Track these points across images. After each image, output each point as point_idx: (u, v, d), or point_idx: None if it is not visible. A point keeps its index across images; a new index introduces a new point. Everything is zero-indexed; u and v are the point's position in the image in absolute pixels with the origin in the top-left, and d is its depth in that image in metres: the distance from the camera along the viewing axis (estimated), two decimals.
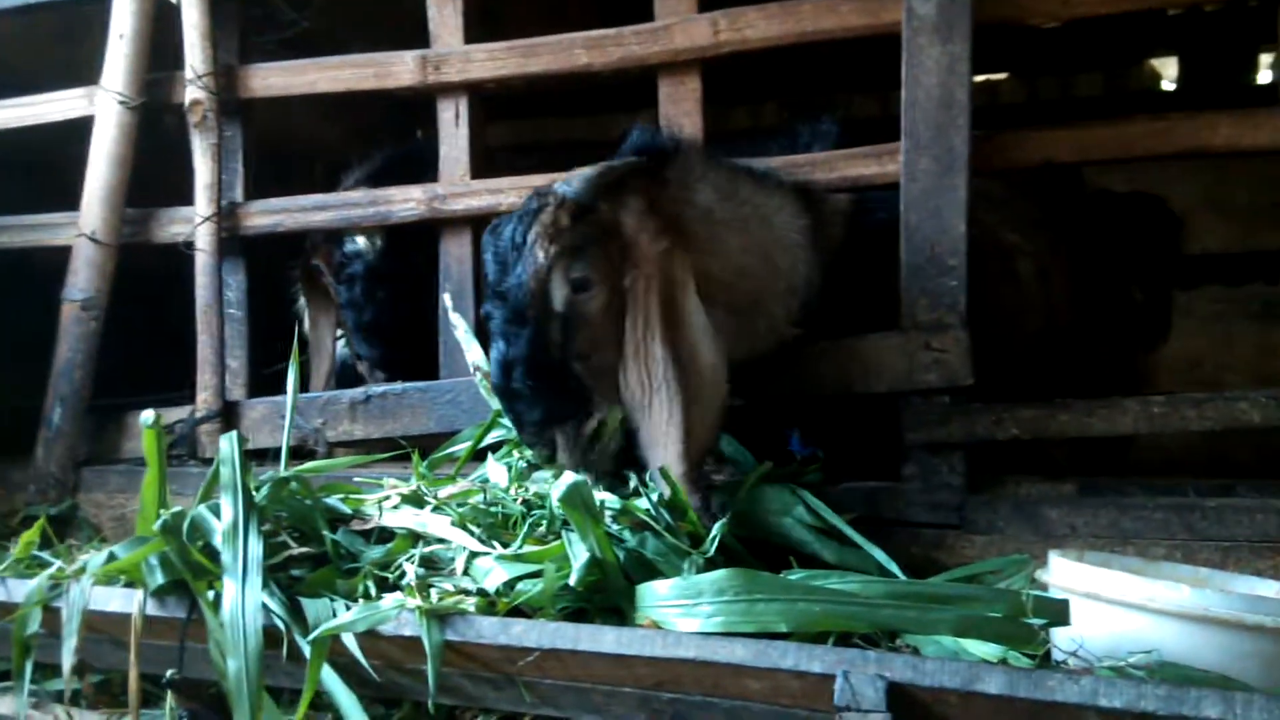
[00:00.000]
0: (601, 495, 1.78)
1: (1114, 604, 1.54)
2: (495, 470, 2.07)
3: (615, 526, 1.73)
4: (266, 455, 2.60)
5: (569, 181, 1.91)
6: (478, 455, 2.34)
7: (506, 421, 2.32)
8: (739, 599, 1.49)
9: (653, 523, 1.73)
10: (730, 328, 2.01)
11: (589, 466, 1.90)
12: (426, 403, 2.62)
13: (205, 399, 2.74)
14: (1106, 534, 2.03)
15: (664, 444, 1.82)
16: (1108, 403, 2.13)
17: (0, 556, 2.12)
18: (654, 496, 1.75)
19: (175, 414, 2.76)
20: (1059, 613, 1.51)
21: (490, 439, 2.35)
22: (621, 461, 1.97)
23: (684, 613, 1.52)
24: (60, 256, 2.76)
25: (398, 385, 2.68)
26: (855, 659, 1.40)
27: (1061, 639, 1.55)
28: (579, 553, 1.61)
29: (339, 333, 3.25)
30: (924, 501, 2.19)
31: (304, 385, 3.16)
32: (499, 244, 1.91)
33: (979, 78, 2.41)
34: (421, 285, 2.97)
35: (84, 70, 2.75)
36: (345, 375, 3.29)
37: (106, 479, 2.75)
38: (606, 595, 1.64)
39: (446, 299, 2.62)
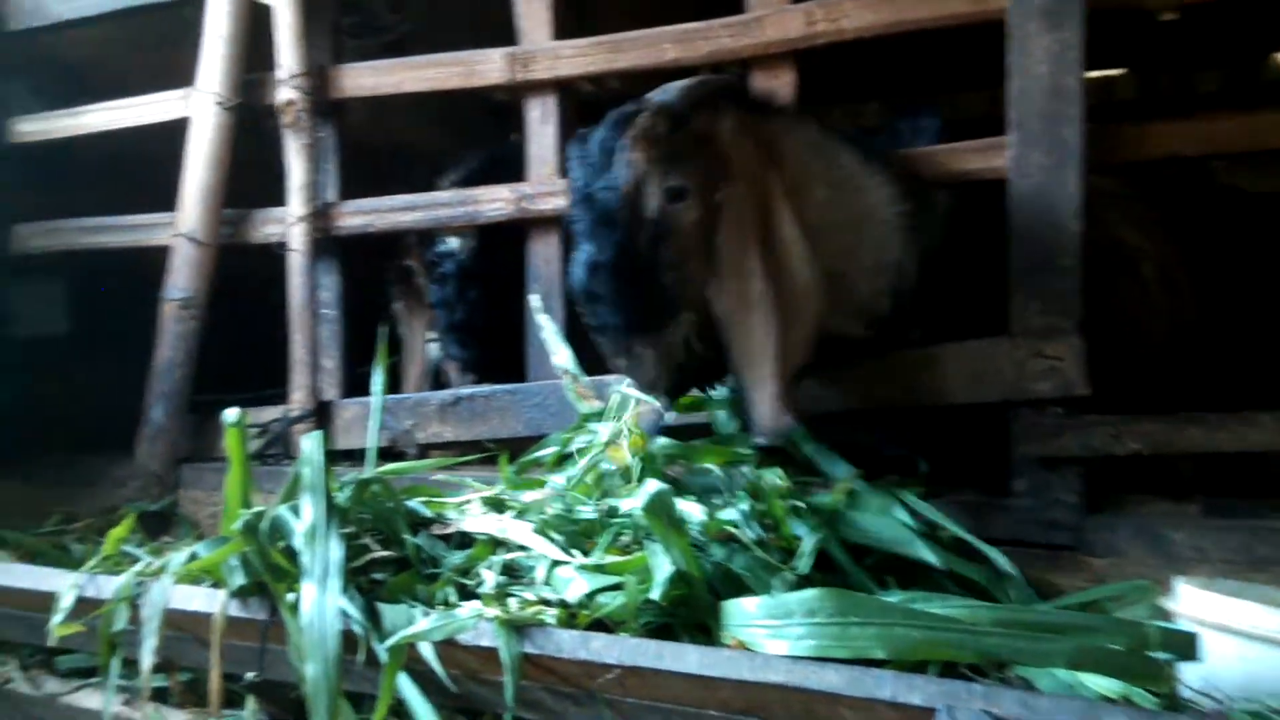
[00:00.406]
0: (687, 506, 1.70)
1: (1249, 637, 1.40)
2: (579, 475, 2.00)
3: (701, 537, 1.65)
4: (360, 456, 2.60)
5: (664, 91, 1.86)
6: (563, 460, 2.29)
7: (594, 425, 2.28)
8: (832, 621, 1.39)
9: (741, 534, 1.65)
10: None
11: (666, 382, 1.86)
12: (514, 406, 2.58)
13: (299, 399, 2.76)
14: (1238, 559, 1.87)
15: (759, 361, 1.77)
16: (1238, 416, 1.97)
17: (93, 552, 2.15)
18: (744, 507, 1.66)
19: (270, 413, 2.79)
20: (1187, 646, 1.38)
21: (576, 445, 2.29)
22: (698, 381, 1.95)
23: (773, 633, 1.43)
24: (160, 257, 2.81)
25: (486, 388, 2.65)
26: (959, 692, 1.29)
27: (1190, 675, 1.41)
28: (662, 565, 1.54)
29: (431, 334, 3.24)
30: (1037, 520, 2.05)
31: (396, 386, 3.18)
32: (588, 149, 1.85)
33: (1093, 74, 2.27)
34: (512, 286, 2.95)
35: (183, 74, 2.79)
36: (438, 377, 3.29)
37: (205, 476, 2.79)
38: (691, 611, 1.56)
39: (534, 299, 2.58)
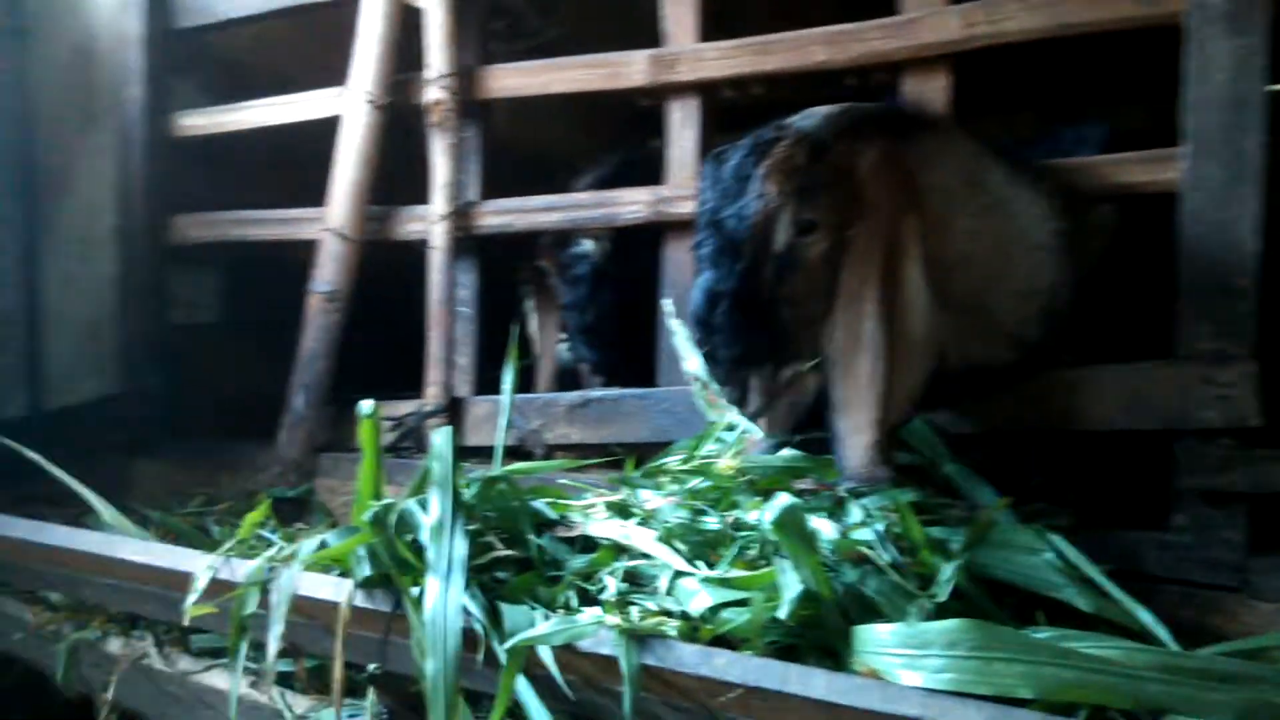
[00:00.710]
0: (819, 523, 1.63)
1: None
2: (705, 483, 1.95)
3: (832, 557, 1.58)
4: (487, 453, 2.61)
5: (807, 116, 1.81)
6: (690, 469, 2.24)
7: (724, 435, 2.23)
8: (974, 655, 1.30)
9: (876, 557, 1.57)
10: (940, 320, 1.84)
11: (773, 419, 1.85)
12: (642, 410, 2.55)
13: (433, 394, 2.79)
14: None
15: (858, 407, 1.71)
16: None
17: (230, 534, 2.21)
18: (880, 528, 1.58)
19: (404, 408, 2.83)
20: None
21: (705, 453, 2.24)
22: (806, 421, 1.88)
23: (908, 663, 1.34)
24: (308, 251, 2.89)
25: (614, 391, 2.63)
26: None
27: None
28: (791, 583, 1.47)
29: (562, 335, 3.25)
30: (1198, 558, 1.91)
31: (526, 386, 3.19)
32: (721, 172, 1.81)
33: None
34: (644, 289, 2.93)
35: (337, 73, 2.88)
36: (566, 378, 3.29)
37: (341, 466, 2.85)
38: (820, 633, 1.49)
39: (667, 304, 2.55)
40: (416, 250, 2.83)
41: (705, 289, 1.77)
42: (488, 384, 2.85)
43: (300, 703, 2.03)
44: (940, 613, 1.47)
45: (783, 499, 1.44)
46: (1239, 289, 1.91)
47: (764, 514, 1.47)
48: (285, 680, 2.02)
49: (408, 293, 2.91)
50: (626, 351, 2.91)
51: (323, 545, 1.78)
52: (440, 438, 1.80)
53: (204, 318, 3.42)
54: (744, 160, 1.79)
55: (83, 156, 3.12)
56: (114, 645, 2.33)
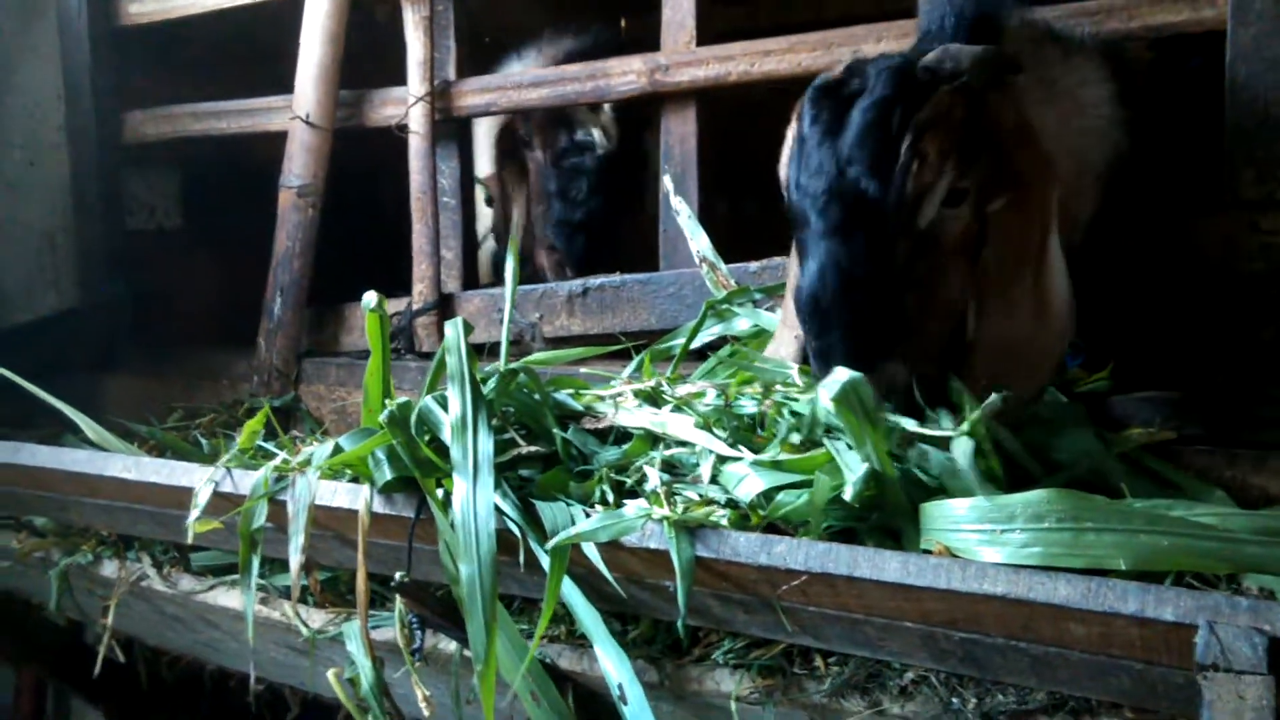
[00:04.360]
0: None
1: None
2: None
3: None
4: (483, 350, 2.48)
5: (954, 57, 1.47)
6: (696, 354, 2.13)
7: (739, 317, 2.11)
8: (1063, 527, 1.21)
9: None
10: None
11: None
12: (647, 296, 2.42)
13: (421, 290, 2.65)
14: None
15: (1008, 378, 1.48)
16: None
17: (225, 446, 2.08)
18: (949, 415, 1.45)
19: (391, 306, 2.67)
20: None
21: (706, 336, 2.12)
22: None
23: (987, 539, 1.26)
24: (277, 145, 2.69)
25: (616, 277, 2.49)
26: (1221, 606, 1.11)
27: None
28: (853, 462, 1.37)
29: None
30: (1243, 416, 1.83)
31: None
32: (845, 118, 1.48)
33: None
34: (636, 173, 2.77)
35: None
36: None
37: (327, 371, 2.71)
38: (884, 514, 1.40)
39: (667, 181, 2.40)
40: (391, 138, 2.64)
41: (826, 266, 1.44)
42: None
43: (316, 617, 1.95)
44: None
45: (841, 373, 1.33)
46: None
47: (820, 392, 1.36)
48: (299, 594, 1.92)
49: (381, 187, 2.74)
50: (608, 243, 2.77)
51: (338, 450, 1.65)
52: (451, 330, 1.67)
53: (166, 222, 3.21)
54: (883, 107, 1.45)
55: (23, 52, 2.87)
56: (108, 569, 2.22)
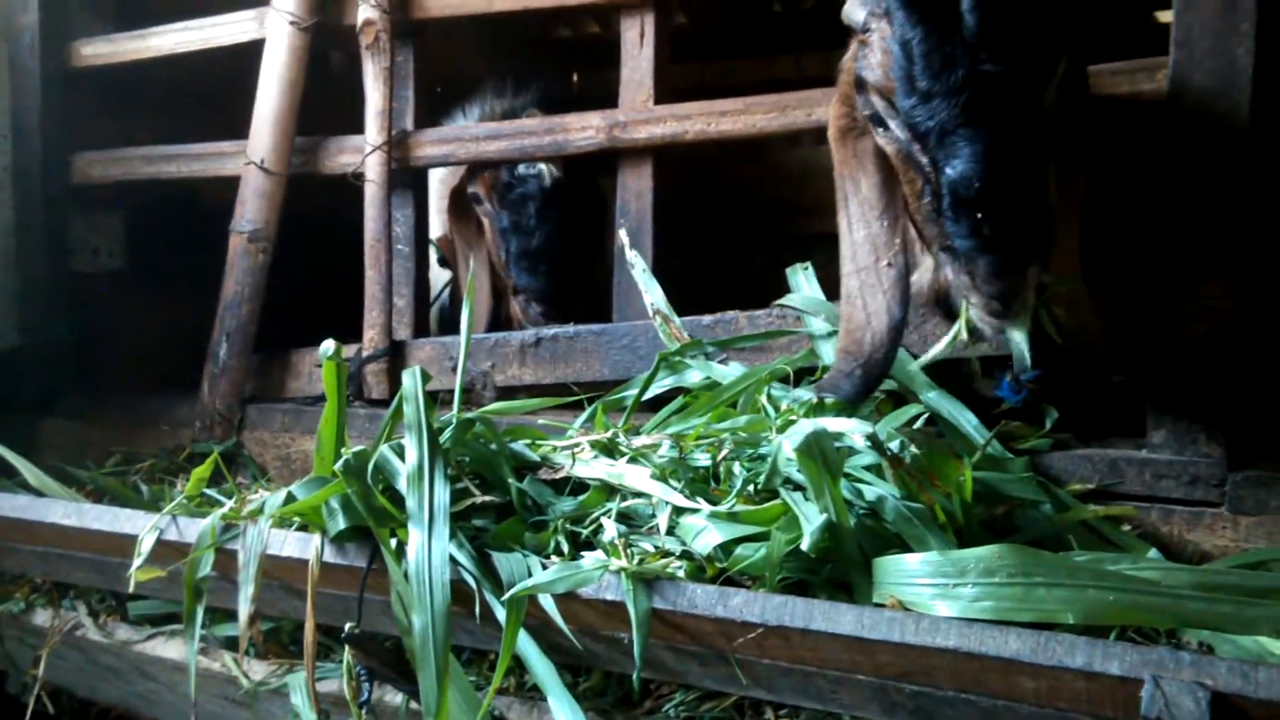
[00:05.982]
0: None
1: None
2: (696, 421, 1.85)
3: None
4: (435, 399, 2.47)
5: None
6: (649, 405, 2.14)
7: (691, 369, 2.13)
8: (1013, 581, 1.24)
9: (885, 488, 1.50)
10: None
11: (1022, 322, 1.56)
12: (600, 347, 2.43)
13: (372, 337, 2.63)
14: None
15: None
16: None
17: (167, 494, 2.04)
18: (905, 457, 1.49)
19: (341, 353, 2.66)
20: None
21: (659, 388, 2.14)
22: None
23: (940, 593, 1.28)
24: (228, 190, 2.68)
25: (570, 327, 2.50)
26: (1166, 661, 1.14)
27: None
28: (810, 514, 1.39)
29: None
30: (1177, 475, 1.89)
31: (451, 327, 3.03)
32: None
33: None
34: (595, 214, 2.79)
35: None
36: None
37: (272, 417, 2.67)
38: (836, 567, 1.42)
39: (623, 235, 2.43)
40: (346, 186, 2.63)
41: (988, 152, 1.33)
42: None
43: (257, 668, 1.91)
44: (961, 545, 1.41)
45: (805, 425, 1.35)
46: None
47: (783, 442, 1.38)
48: (236, 645, 1.88)
49: (334, 234, 2.72)
50: (573, 281, 2.77)
51: (290, 498, 1.63)
52: (409, 379, 1.67)
53: (110, 264, 3.16)
54: None
55: None
56: (41, 617, 2.15)
